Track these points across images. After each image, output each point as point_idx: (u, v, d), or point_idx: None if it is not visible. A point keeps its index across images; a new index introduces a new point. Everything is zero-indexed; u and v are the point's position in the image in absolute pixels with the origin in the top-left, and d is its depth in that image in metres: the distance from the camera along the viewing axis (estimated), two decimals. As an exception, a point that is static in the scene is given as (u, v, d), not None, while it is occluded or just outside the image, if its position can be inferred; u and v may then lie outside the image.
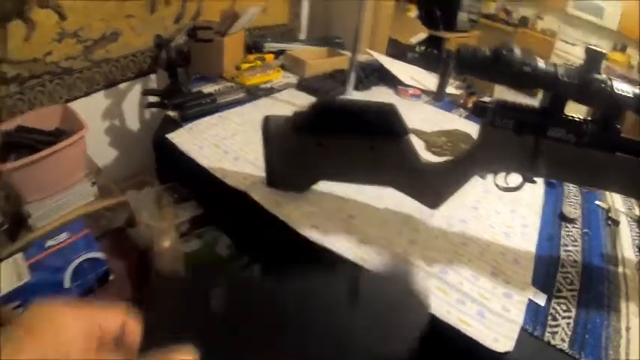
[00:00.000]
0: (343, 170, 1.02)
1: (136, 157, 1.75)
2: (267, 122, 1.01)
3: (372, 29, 2.22)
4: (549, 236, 1.08)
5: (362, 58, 1.82)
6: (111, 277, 1.25)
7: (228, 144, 1.30)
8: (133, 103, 1.76)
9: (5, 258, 1.21)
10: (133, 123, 1.81)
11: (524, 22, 4.24)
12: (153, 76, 1.78)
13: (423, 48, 3.04)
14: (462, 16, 3.51)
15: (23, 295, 1.11)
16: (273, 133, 1.01)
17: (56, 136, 1.36)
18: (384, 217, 1.05)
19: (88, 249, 1.22)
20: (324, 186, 1.08)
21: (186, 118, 1.39)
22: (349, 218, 1.04)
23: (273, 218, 1.02)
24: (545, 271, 0.96)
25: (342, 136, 0.94)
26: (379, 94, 1.81)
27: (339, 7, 2.23)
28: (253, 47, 1.91)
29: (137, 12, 1.64)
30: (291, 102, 1.61)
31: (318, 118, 0.96)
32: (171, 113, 1.43)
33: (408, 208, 1.05)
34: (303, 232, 0.97)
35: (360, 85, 1.73)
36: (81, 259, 1.19)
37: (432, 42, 3.22)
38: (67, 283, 1.18)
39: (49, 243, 1.23)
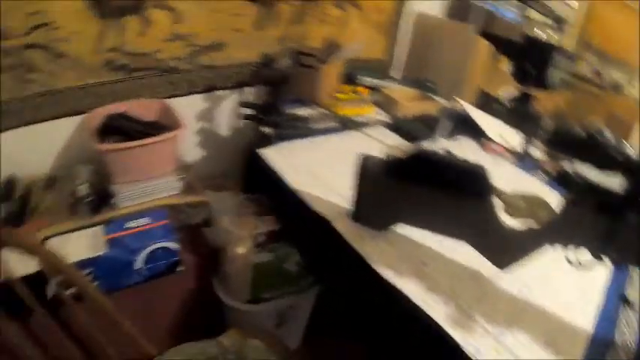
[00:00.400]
0: (424, 218, 1.17)
1: (219, 161, 1.97)
2: (364, 161, 1.18)
3: (463, 77, 2.36)
4: (608, 317, 1.17)
5: (450, 104, 1.99)
6: (180, 268, 1.45)
7: (319, 171, 1.48)
8: (226, 110, 1.98)
9: (85, 227, 1.44)
10: (222, 129, 2.02)
11: (615, 86, 4.30)
12: (248, 89, 1.92)
13: (511, 104, 3.14)
14: (554, 75, 3.58)
15: (96, 266, 1.33)
16: (368, 172, 1.17)
17: (153, 128, 1.59)
18: (455, 269, 1.18)
19: (164, 238, 1.42)
20: (403, 229, 1.23)
21: (280, 137, 1.59)
22: (422, 264, 1.17)
23: (350, 249, 1.18)
24: (598, 352, 1.04)
25: (430, 186, 1.10)
26: (465, 146, 1.93)
27: (436, 51, 2.39)
28: (348, 78, 2.07)
29: (245, 27, 1.87)
30: (381, 140, 1.76)
31: (412, 166, 1.12)
32: (266, 129, 1.63)
33: (479, 264, 1.18)
34: (376, 269, 1.12)
35: (446, 134, 1.88)
36: (157, 245, 1.40)
37: (521, 98, 3.31)
38: (138, 265, 1.39)
39: (129, 224, 1.45)
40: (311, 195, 1.34)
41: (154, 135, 1.52)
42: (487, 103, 2.31)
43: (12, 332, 1.32)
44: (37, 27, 1.56)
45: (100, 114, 1.63)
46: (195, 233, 1.53)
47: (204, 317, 1.56)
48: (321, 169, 1.48)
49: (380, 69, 2.35)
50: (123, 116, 1.61)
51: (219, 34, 1.83)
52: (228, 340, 1.35)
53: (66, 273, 1.21)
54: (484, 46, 2.22)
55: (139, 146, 1.49)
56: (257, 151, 1.51)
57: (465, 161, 1.11)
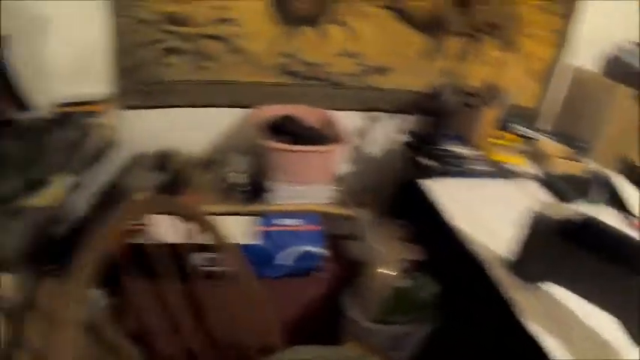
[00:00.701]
0: (580, 283, 1.26)
1: (367, 179, 2.14)
2: (537, 217, 1.29)
3: (611, 140, 2.39)
4: None
5: (596, 167, 2.10)
6: (316, 273, 1.64)
7: (477, 212, 1.60)
8: (383, 133, 2.15)
9: (238, 214, 1.67)
10: (376, 150, 2.19)
11: None
12: (408, 117, 2.13)
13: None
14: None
15: (249, 252, 1.48)
16: (540, 229, 1.28)
17: (317, 136, 1.78)
18: (596, 338, 1.26)
19: (312, 242, 1.60)
20: (551, 287, 1.33)
21: (440, 172, 1.73)
22: (568, 327, 1.26)
23: (498, 295, 1.30)
24: None
25: (596, 254, 1.19)
26: (610, 216, 1.94)
27: (588, 108, 2.40)
28: (501, 124, 2.15)
29: (412, 55, 2.05)
30: (532, 194, 1.86)
31: (583, 231, 1.23)
32: (423, 160, 1.78)
33: (617, 338, 1.24)
34: (520, 319, 1.24)
35: (596, 200, 1.95)
36: (303, 247, 1.59)
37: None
38: (280, 260, 1.58)
39: (281, 221, 1.66)
40: (468, 234, 1.47)
41: (316, 143, 1.72)
42: (629, 171, 2.34)
43: (146, 293, 1.56)
44: (220, 20, 1.84)
45: (266, 112, 1.86)
46: (339, 244, 1.69)
47: (320, 323, 1.72)
48: (479, 211, 1.60)
49: (529, 117, 2.44)
50: (291, 119, 1.82)
51: (388, 57, 2.02)
52: (349, 350, 1.50)
53: (227, 250, 1.42)
54: (637, 110, 2.27)
55: (304, 151, 1.69)
56: (417, 180, 1.68)
57: (631, 236, 1.22)
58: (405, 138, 1.91)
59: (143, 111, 1.99)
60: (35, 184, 1.56)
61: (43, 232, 1.45)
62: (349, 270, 1.69)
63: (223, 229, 1.48)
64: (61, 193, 1.58)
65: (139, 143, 1.99)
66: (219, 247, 1.43)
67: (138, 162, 1.94)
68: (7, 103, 1.79)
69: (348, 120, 2.02)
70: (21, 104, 1.83)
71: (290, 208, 1.72)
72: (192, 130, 2.02)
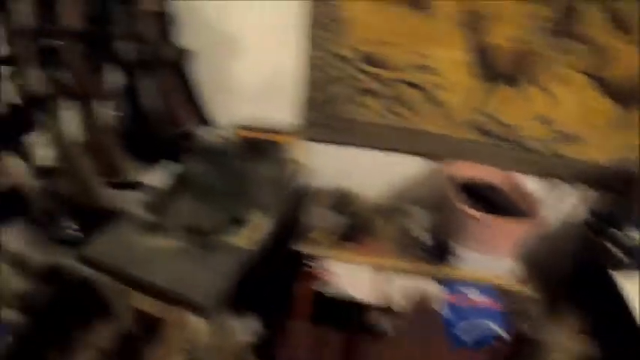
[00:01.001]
0: None
1: (539, 250, 2.17)
2: None
3: None
4: None
5: None
6: (489, 349, 1.74)
7: None
8: (559, 202, 2.20)
9: (421, 274, 1.81)
10: (550, 220, 2.22)
11: None
12: (591, 192, 2.14)
13: None
14: None
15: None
16: None
17: (511, 207, 1.88)
18: None
19: (497, 321, 1.71)
20: None
21: (627, 264, 1.77)
22: None
23: None
24: None
25: None
26: None
27: None
28: None
29: (604, 126, 2.06)
30: None
31: None
32: (611, 247, 1.83)
33: None
34: None
35: None
36: (488, 326, 1.71)
37: None
38: (461, 332, 1.72)
39: (465, 290, 1.78)
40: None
41: (509, 214, 1.80)
42: None
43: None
44: (418, 67, 1.95)
45: (458, 169, 1.98)
46: (512, 321, 1.76)
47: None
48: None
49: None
50: (492, 187, 1.95)
51: (578, 125, 2.05)
52: None
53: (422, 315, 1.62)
54: None
55: (501, 223, 1.75)
56: (605, 270, 1.76)
57: None
58: (586, 215, 1.99)
59: (325, 146, 2.14)
60: (237, 222, 1.70)
61: (240, 275, 1.54)
62: (519, 349, 1.79)
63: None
64: (258, 235, 1.70)
65: (318, 178, 2.16)
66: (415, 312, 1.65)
67: (317, 199, 2.08)
68: (188, 115, 1.97)
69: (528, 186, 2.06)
70: (201, 118, 2.02)
71: (471, 276, 1.83)
72: (372, 172, 2.16)
